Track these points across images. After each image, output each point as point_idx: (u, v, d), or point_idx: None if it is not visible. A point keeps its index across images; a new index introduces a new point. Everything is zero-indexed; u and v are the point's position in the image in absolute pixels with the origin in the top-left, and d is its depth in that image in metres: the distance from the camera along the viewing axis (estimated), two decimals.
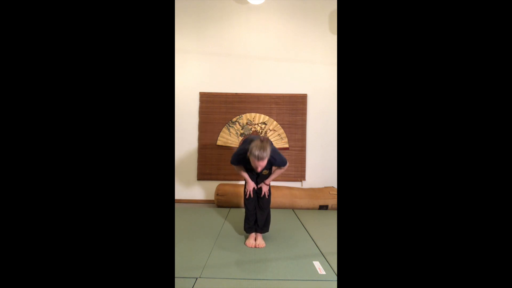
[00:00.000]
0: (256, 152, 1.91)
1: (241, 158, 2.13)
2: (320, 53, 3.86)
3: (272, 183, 3.62)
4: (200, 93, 3.83)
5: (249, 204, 2.28)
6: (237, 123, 3.80)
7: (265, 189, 2.26)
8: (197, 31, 3.86)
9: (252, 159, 1.95)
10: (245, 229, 2.32)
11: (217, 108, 3.82)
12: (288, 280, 1.64)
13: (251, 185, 2.25)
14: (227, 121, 3.81)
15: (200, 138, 3.82)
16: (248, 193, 2.25)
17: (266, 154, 1.93)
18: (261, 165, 1.96)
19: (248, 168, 2.23)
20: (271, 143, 2.14)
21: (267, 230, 2.32)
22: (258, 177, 2.31)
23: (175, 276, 1.64)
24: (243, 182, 3.57)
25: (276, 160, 2.10)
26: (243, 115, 3.81)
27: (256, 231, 2.29)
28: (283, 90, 3.85)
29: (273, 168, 2.27)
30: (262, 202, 2.27)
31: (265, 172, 2.27)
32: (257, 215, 2.29)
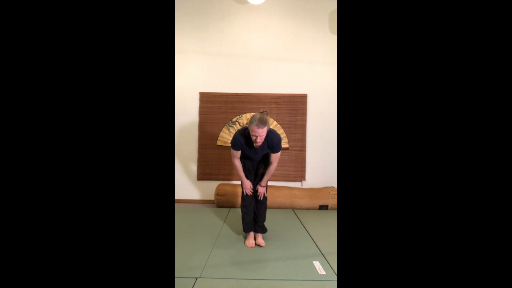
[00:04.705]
0: (256, 121, 1.95)
1: (242, 137, 2.12)
2: (320, 53, 3.86)
3: (272, 183, 3.63)
4: (200, 93, 3.83)
5: (248, 206, 2.29)
6: (237, 123, 3.80)
7: (261, 190, 2.29)
8: (197, 31, 3.86)
9: (252, 128, 1.97)
10: (244, 230, 2.33)
11: (217, 108, 3.82)
12: (288, 280, 1.64)
13: (248, 183, 2.27)
14: (227, 121, 3.81)
15: (200, 138, 3.82)
16: (245, 192, 2.27)
17: (266, 124, 1.97)
18: (260, 134, 1.97)
19: (245, 154, 2.21)
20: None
21: (266, 230, 2.35)
22: (256, 178, 2.34)
23: (175, 276, 1.64)
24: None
25: (275, 136, 2.11)
26: (243, 115, 3.81)
27: (256, 231, 2.31)
28: (283, 90, 3.85)
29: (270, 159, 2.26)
30: (260, 204, 2.32)
31: (262, 170, 2.30)
32: (256, 216, 2.31)
